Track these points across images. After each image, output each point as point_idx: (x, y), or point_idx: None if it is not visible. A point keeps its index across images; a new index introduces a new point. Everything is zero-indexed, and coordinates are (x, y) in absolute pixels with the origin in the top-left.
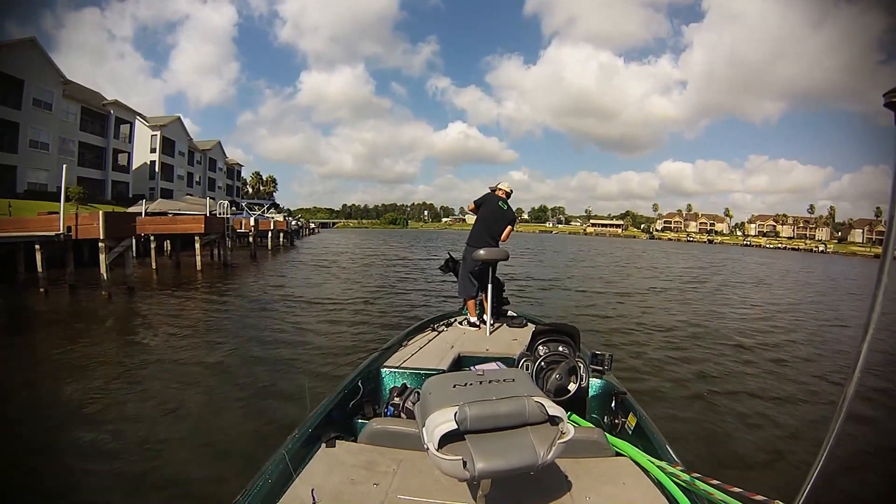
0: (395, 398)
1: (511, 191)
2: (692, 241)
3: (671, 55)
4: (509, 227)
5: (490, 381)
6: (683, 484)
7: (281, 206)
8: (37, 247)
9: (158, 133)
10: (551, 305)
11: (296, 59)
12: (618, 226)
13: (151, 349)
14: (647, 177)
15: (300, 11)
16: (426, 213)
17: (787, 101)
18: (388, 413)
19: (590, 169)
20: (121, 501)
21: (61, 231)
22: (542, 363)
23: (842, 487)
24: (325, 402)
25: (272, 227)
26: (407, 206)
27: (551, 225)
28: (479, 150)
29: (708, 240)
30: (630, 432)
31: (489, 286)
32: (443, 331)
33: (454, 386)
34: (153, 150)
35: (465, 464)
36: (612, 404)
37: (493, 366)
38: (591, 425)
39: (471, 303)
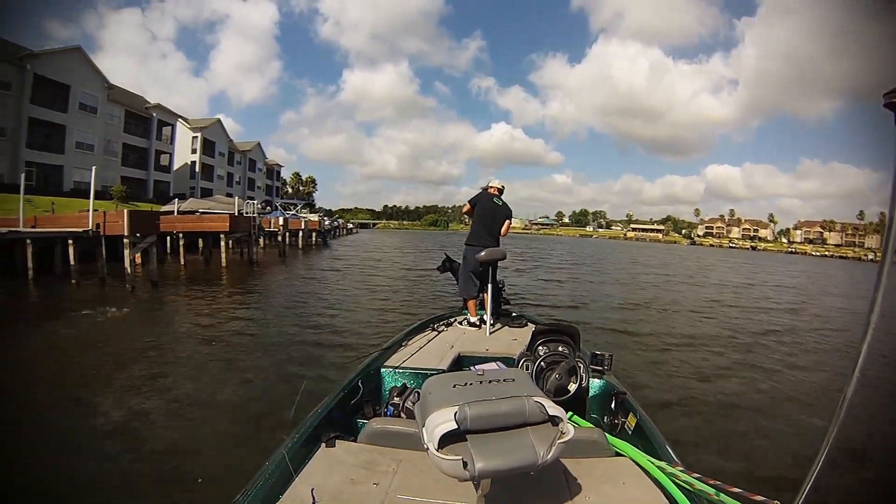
0: (395, 398)
1: (503, 186)
2: (734, 247)
3: (722, 52)
4: (507, 221)
5: (490, 381)
6: (683, 484)
7: (317, 205)
8: (70, 242)
9: (199, 135)
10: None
11: (337, 56)
12: (658, 231)
13: (157, 334)
14: (692, 181)
15: (340, 8)
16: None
17: (843, 100)
18: (388, 413)
19: (634, 172)
20: (115, 478)
21: (90, 228)
22: (542, 363)
23: (841, 488)
24: (324, 401)
25: (303, 227)
26: (449, 207)
27: (591, 229)
28: (524, 151)
29: (751, 246)
30: (630, 432)
31: (488, 286)
32: (443, 330)
33: (454, 386)
34: (194, 151)
35: (464, 464)
36: (612, 404)
37: (493, 366)
38: (591, 425)
39: (471, 302)
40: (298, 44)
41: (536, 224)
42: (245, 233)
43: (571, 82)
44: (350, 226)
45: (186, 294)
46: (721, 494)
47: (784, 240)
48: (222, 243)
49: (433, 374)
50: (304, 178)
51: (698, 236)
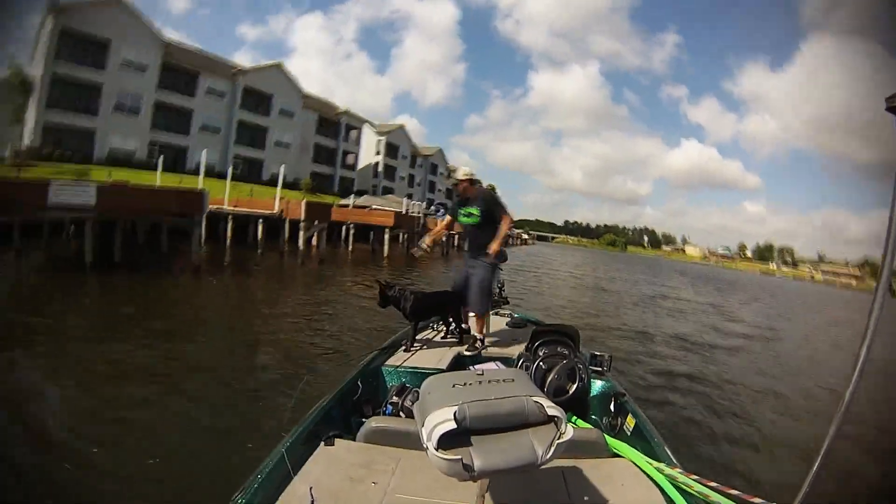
0: (395, 397)
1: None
2: None
3: None
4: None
5: (489, 381)
6: (681, 485)
7: None
8: (260, 221)
9: (383, 138)
10: None
11: (518, 57)
12: (854, 277)
13: (307, 295)
14: None
15: (519, 1)
16: (646, 238)
17: None
18: (387, 412)
19: (840, 204)
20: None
21: (276, 211)
22: (542, 363)
23: (839, 490)
24: (323, 400)
25: None
26: (629, 229)
27: (774, 266)
28: (717, 173)
29: None
30: (629, 433)
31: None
32: (443, 330)
33: (453, 385)
34: (378, 153)
35: (463, 463)
36: (611, 405)
37: (492, 366)
38: (590, 426)
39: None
40: (479, 42)
41: (716, 255)
42: (408, 229)
43: (773, 92)
44: (525, 236)
45: (343, 271)
46: (719, 496)
47: None
48: (386, 236)
49: (432, 374)
50: (484, 185)
51: None
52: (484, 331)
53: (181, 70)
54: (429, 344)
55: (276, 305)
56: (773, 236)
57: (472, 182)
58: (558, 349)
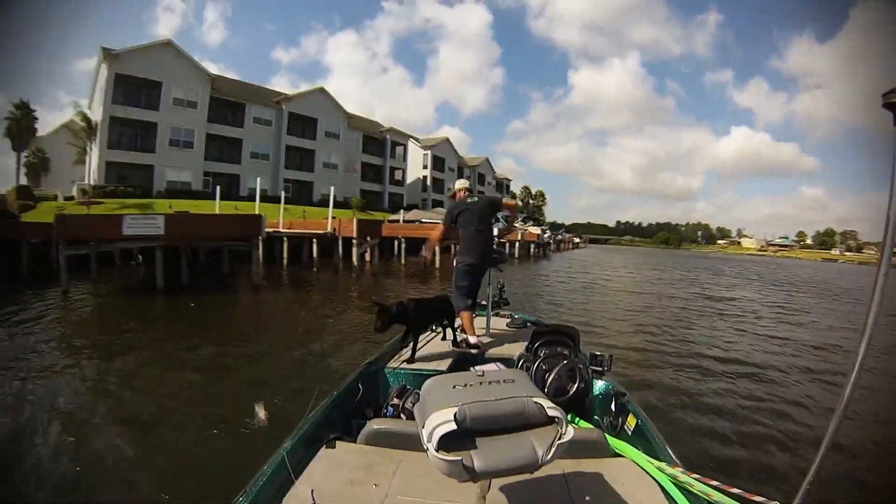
0: (395, 399)
1: (469, 186)
2: None
3: None
4: (496, 207)
5: (490, 382)
6: (683, 484)
7: (548, 219)
8: (314, 241)
9: (429, 152)
10: None
11: (555, 56)
12: None
13: (357, 306)
14: None
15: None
16: (699, 233)
17: None
18: (388, 414)
19: None
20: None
21: (329, 231)
22: (542, 364)
23: (839, 488)
24: (324, 402)
25: (519, 239)
26: (682, 225)
27: (837, 252)
28: (772, 158)
29: None
30: (630, 433)
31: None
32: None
33: (454, 387)
34: (425, 167)
35: (464, 465)
36: (612, 405)
37: (492, 367)
38: (591, 426)
39: (465, 314)
40: (514, 45)
41: (774, 245)
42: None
43: (823, 66)
44: (577, 240)
45: (395, 282)
46: (721, 495)
47: None
48: (436, 248)
49: (433, 375)
50: (533, 191)
51: None
52: (478, 331)
53: (228, 102)
54: (429, 345)
55: (332, 314)
56: (839, 222)
57: (467, 194)
58: (558, 349)
